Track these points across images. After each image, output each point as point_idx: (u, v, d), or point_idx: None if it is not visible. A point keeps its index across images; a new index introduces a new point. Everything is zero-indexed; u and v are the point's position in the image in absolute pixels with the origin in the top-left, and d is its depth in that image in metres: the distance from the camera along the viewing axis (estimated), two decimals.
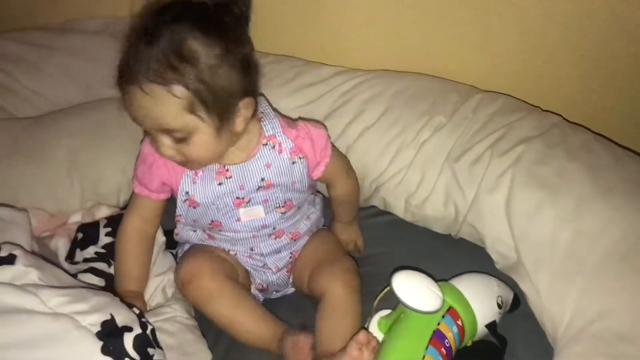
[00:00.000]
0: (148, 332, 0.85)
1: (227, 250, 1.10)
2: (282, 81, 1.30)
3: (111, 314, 0.82)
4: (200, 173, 1.01)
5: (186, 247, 1.13)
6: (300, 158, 1.03)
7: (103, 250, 1.09)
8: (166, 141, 0.92)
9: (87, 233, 1.11)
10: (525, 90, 1.28)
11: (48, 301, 0.80)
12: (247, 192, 1.02)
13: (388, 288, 0.93)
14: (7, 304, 0.78)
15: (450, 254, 1.16)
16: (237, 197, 1.02)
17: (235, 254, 1.11)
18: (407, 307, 0.91)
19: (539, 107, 1.21)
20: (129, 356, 0.80)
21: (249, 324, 1.02)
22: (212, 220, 1.05)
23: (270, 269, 1.12)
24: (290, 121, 1.07)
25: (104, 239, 1.10)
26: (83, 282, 1.00)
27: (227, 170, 1.01)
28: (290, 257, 1.13)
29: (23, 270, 0.83)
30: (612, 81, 1.25)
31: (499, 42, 1.25)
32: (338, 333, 0.99)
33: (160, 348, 0.89)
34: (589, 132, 1.15)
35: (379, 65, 1.33)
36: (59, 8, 1.49)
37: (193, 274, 1.02)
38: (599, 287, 0.92)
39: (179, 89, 0.86)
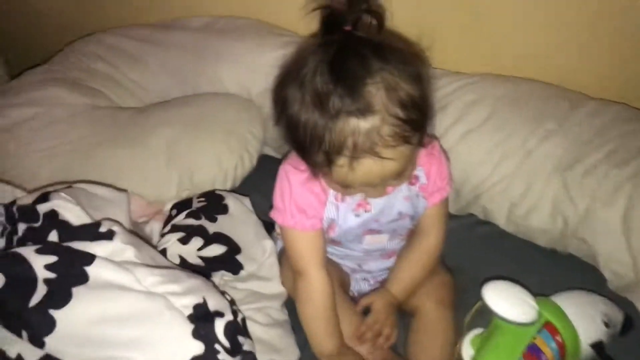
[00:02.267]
0: (239, 319, 0.83)
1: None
2: None
3: (204, 298, 0.80)
4: (341, 202, 0.93)
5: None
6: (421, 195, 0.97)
7: (194, 209, 1.07)
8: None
9: (180, 207, 1.10)
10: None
11: (143, 280, 0.79)
12: (380, 224, 0.96)
13: (480, 304, 0.88)
14: (104, 279, 0.78)
15: (555, 270, 1.08)
16: (370, 229, 0.97)
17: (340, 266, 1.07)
18: (497, 316, 0.87)
19: None
20: (219, 342, 0.78)
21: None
22: (334, 239, 1.00)
23: (369, 281, 1.09)
24: None
25: (197, 205, 1.09)
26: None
27: (368, 203, 0.93)
28: None
29: (121, 247, 0.83)
30: None
31: (609, 48, 1.17)
32: (429, 351, 0.95)
33: (250, 338, 0.86)
34: None
35: (480, 69, 1.27)
36: (170, 6, 1.53)
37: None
38: None
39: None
